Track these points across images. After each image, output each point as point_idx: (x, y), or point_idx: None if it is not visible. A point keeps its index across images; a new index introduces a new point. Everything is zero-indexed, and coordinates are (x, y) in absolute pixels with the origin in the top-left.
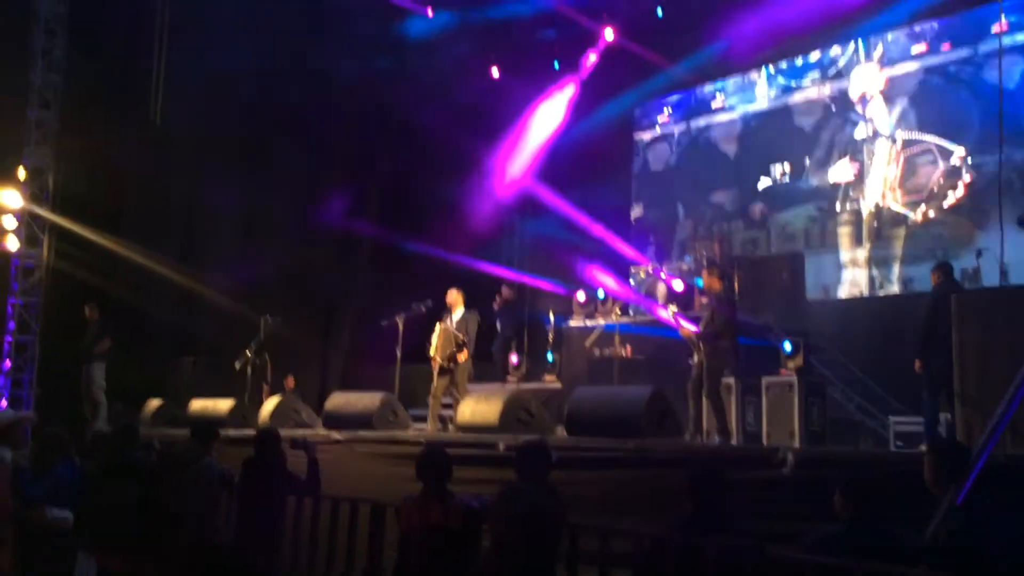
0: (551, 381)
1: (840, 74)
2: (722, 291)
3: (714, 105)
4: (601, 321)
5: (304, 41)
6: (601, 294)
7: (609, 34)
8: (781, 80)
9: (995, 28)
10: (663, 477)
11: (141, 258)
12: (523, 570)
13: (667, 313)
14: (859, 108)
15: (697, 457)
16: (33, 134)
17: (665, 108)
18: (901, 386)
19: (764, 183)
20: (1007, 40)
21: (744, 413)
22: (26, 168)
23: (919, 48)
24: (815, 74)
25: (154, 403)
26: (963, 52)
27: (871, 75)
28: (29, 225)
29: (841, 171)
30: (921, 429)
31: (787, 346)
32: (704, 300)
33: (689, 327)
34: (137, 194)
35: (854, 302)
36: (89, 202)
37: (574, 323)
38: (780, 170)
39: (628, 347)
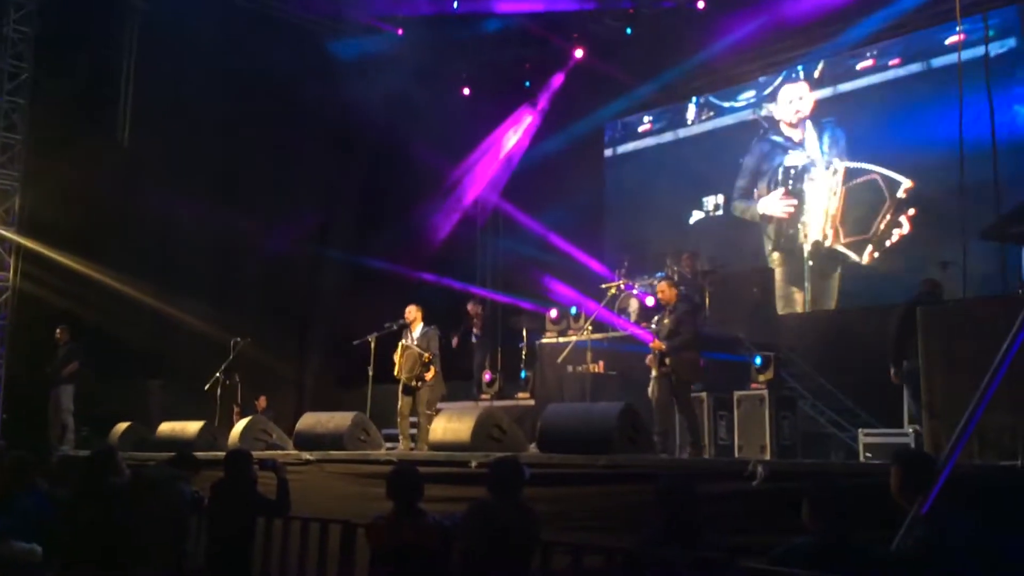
0: (524, 398)
1: (774, 96)
2: (681, 302)
3: (688, 117)
4: (573, 337)
5: (272, 63)
6: (573, 311)
7: (579, 53)
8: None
9: (951, 40)
10: (635, 492)
11: (110, 280)
12: None
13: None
14: (793, 132)
15: (667, 471)
16: None
17: (639, 123)
18: (871, 399)
19: (696, 216)
20: (966, 53)
21: (716, 427)
22: None
23: (864, 64)
24: (750, 96)
25: (122, 426)
26: (914, 67)
27: (806, 95)
28: None
29: (773, 204)
30: (892, 440)
31: (758, 360)
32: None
33: (657, 343)
34: (106, 216)
35: (824, 315)
36: (57, 224)
37: (547, 340)
38: (713, 203)
39: (601, 363)
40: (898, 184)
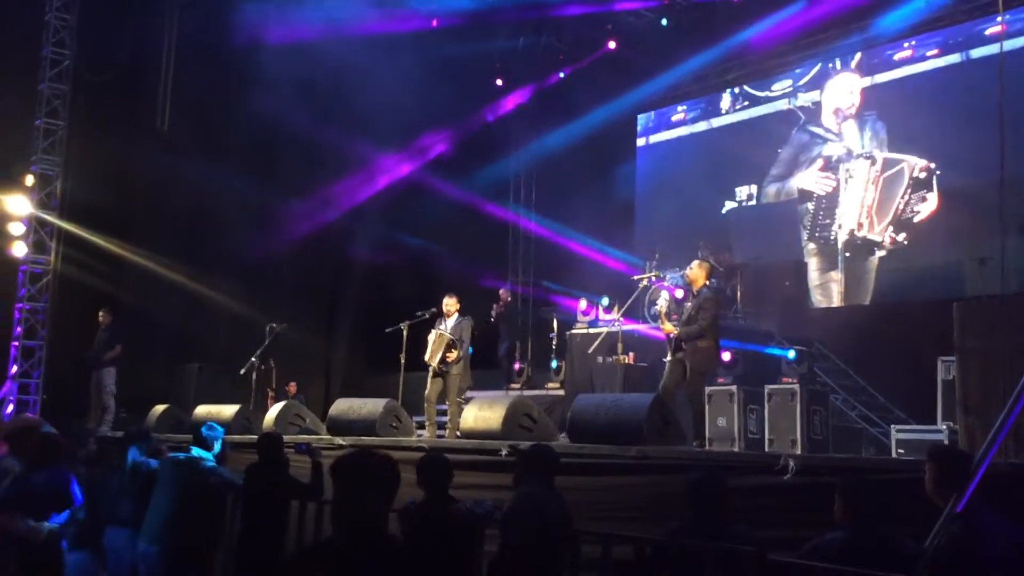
0: (553, 388)
1: (813, 85)
2: (707, 289)
3: (722, 107)
4: (604, 328)
5: (312, 45)
6: (605, 301)
7: (612, 44)
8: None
9: (991, 30)
10: (665, 484)
11: (149, 264)
12: None
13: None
14: (832, 123)
15: (698, 464)
16: (41, 142)
17: (672, 112)
18: (904, 395)
19: (729, 206)
20: (1008, 44)
21: (746, 420)
22: (34, 175)
23: (902, 54)
24: (786, 85)
25: (159, 408)
26: (953, 58)
27: (856, 88)
28: (37, 231)
29: (810, 179)
30: (925, 437)
31: (790, 354)
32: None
33: (669, 327)
34: (146, 201)
35: (858, 309)
36: (97, 209)
37: (577, 330)
38: (746, 192)
39: (631, 354)
40: (915, 165)
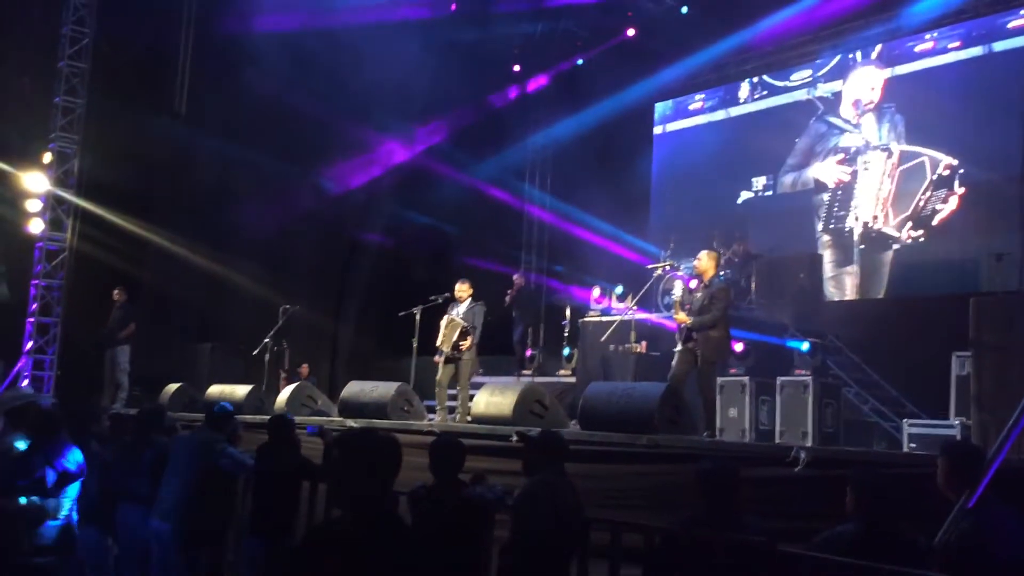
0: (565, 375)
1: (833, 76)
2: (718, 279)
3: (740, 96)
4: (617, 317)
5: (331, 31)
6: (619, 290)
7: (631, 32)
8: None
9: (1014, 23)
10: (676, 473)
11: (165, 243)
12: (544, 564)
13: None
14: (851, 115)
15: (709, 454)
16: (59, 120)
17: (690, 101)
18: (916, 389)
19: (744, 196)
20: None
21: (757, 412)
22: (52, 153)
23: (923, 46)
24: (805, 76)
25: (172, 387)
26: (975, 51)
27: (877, 84)
28: (54, 209)
29: (827, 169)
30: (937, 431)
31: (804, 346)
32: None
33: (683, 317)
34: (162, 180)
35: (872, 303)
36: (114, 187)
37: (590, 318)
38: (762, 183)
39: (644, 343)
40: (939, 162)
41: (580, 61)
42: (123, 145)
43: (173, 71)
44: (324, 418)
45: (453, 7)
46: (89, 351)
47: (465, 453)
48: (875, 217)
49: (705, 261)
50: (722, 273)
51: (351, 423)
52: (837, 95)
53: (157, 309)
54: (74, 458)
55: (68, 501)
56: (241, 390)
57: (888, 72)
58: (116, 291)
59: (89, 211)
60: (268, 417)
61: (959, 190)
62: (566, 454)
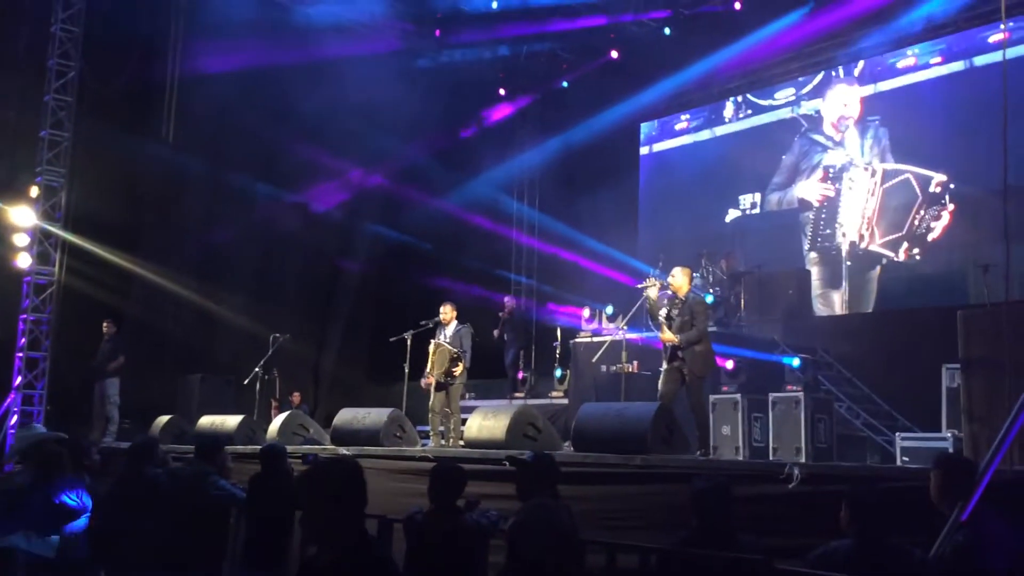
0: (557, 397)
1: (816, 93)
2: (692, 294)
3: (725, 115)
4: (608, 337)
5: (318, 59)
6: (609, 310)
7: (614, 54)
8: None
9: (994, 38)
10: (670, 493)
11: (153, 275)
12: None
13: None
14: (834, 132)
15: (703, 473)
16: (46, 153)
17: (675, 121)
18: (908, 402)
19: (732, 215)
20: (1011, 51)
21: (750, 428)
22: (38, 186)
23: (905, 62)
24: (789, 94)
25: (163, 419)
26: (957, 66)
27: (853, 100)
28: (41, 243)
29: (811, 188)
30: (930, 444)
31: (795, 362)
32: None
33: (670, 336)
34: (150, 213)
35: (861, 317)
36: (102, 220)
37: (581, 339)
38: (750, 201)
39: (635, 363)
40: (930, 179)
41: (565, 83)
42: (110, 178)
43: (159, 103)
44: (317, 447)
45: (437, 33)
46: (79, 385)
47: (466, 480)
48: (861, 236)
49: (679, 278)
50: (711, 290)
51: (344, 451)
52: (820, 112)
53: (146, 341)
54: (76, 494)
55: (72, 537)
56: (232, 420)
57: (870, 88)
58: (105, 324)
59: (76, 244)
60: (260, 447)
61: (950, 206)
62: (557, 476)
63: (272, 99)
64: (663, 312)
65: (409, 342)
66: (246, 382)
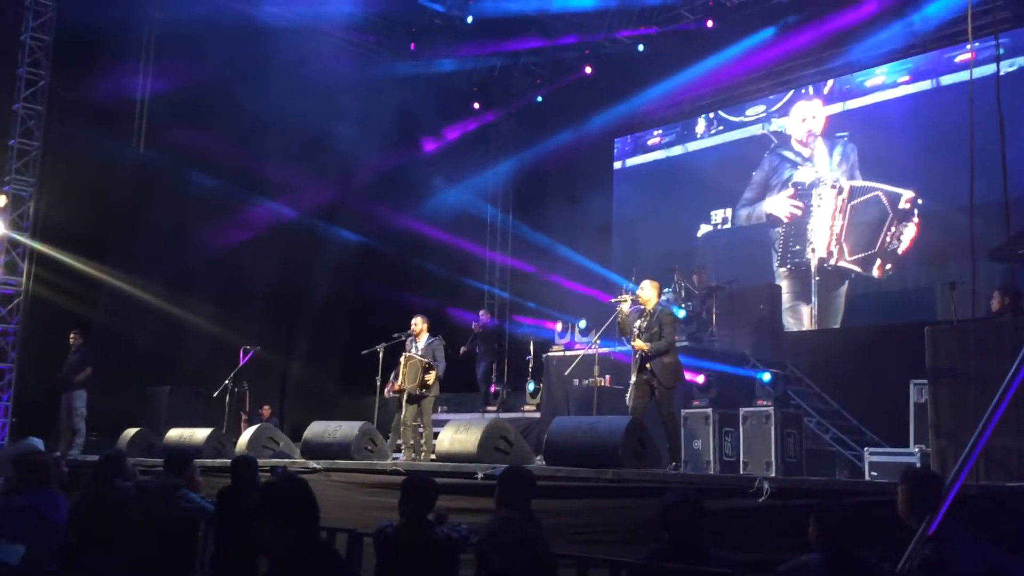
0: (530, 410)
1: (785, 111)
2: (660, 305)
3: (697, 131)
4: (580, 351)
5: (289, 67)
6: (582, 324)
7: (588, 70)
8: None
9: (961, 58)
10: (641, 507)
11: (122, 285)
12: None
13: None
14: (803, 148)
15: (674, 486)
16: (15, 162)
17: (648, 136)
18: (876, 417)
19: (704, 230)
20: (977, 71)
21: (721, 443)
22: (6, 196)
23: (874, 80)
24: (759, 111)
25: (131, 431)
26: (924, 85)
27: (818, 113)
28: (9, 252)
29: (779, 204)
30: (898, 459)
31: (766, 377)
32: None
33: (640, 344)
34: (119, 223)
35: (830, 332)
36: (70, 230)
37: (554, 353)
38: (721, 216)
39: (608, 377)
40: (899, 196)
41: (539, 98)
42: (79, 187)
43: (129, 112)
44: (287, 460)
45: (412, 46)
46: (45, 396)
47: (438, 494)
48: (830, 252)
49: (648, 291)
50: (683, 304)
51: (314, 464)
52: (787, 130)
53: (114, 352)
54: (52, 505)
55: (40, 549)
56: (201, 433)
57: (839, 106)
58: (72, 335)
59: (45, 254)
60: (229, 460)
61: (916, 219)
62: (533, 490)
63: (243, 109)
64: (636, 327)
65: (381, 355)
66: (216, 395)
